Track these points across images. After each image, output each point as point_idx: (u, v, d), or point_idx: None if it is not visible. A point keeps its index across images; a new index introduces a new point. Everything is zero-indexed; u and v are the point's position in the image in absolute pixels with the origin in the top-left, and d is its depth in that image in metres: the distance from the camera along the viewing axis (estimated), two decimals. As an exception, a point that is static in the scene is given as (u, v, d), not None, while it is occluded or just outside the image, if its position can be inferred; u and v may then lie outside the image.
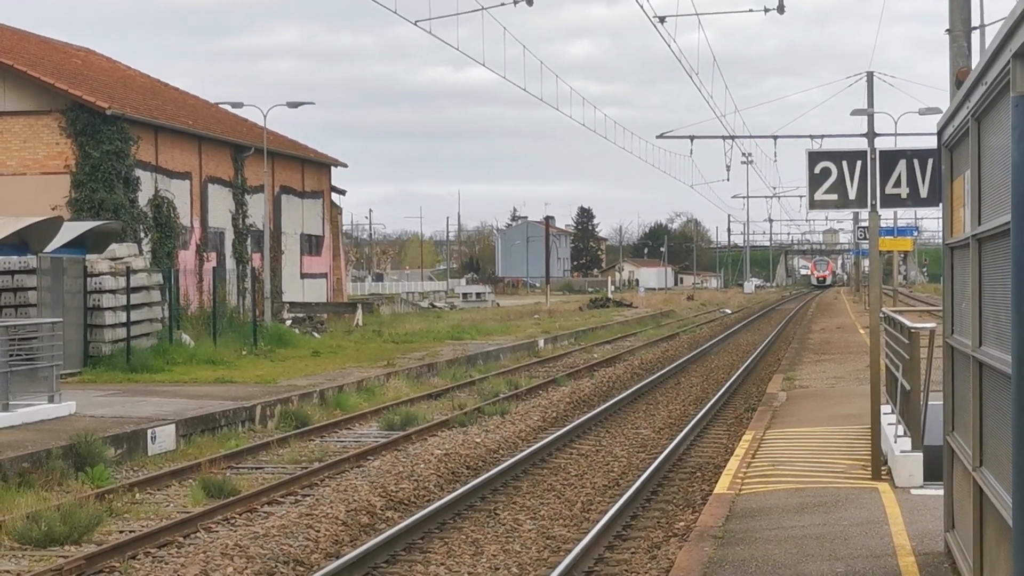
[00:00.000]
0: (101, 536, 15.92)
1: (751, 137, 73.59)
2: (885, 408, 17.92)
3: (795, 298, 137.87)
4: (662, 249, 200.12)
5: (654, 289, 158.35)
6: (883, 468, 16.25)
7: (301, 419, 26.67)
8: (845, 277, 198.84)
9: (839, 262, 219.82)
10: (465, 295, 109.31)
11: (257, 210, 53.54)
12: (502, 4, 32.40)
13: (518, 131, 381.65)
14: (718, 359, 46.45)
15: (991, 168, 8.29)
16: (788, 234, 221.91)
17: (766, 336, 58.69)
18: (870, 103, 59.63)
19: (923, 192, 15.55)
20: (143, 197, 44.58)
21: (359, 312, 58.85)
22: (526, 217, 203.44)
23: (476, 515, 17.77)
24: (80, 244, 33.43)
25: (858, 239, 76.95)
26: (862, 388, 25.62)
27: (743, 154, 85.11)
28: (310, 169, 62.03)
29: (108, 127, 42.79)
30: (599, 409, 29.13)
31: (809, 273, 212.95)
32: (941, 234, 11.64)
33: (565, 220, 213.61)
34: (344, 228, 73.53)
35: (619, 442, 25.03)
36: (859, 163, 15.76)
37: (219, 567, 13.92)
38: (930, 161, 15.42)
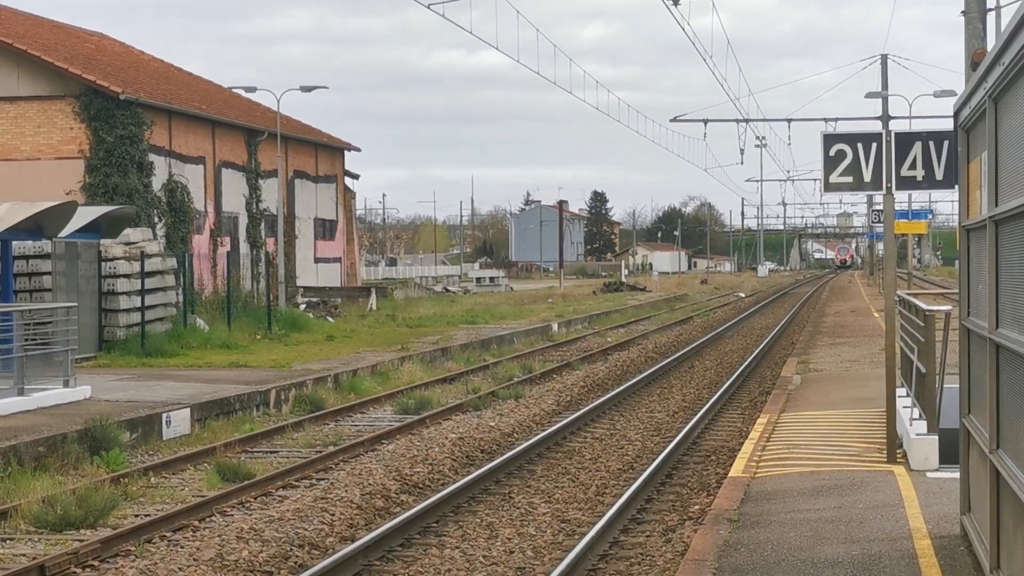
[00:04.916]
0: (116, 520, 15.96)
1: (765, 120, 73.59)
2: (900, 391, 17.89)
3: (809, 281, 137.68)
4: (676, 233, 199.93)
5: (668, 273, 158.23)
6: (898, 451, 16.22)
7: (315, 403, 26.69)
8: (859, 261, 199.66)
9: (853, 245, 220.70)
10: (479, 279, 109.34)
11: (271, 194, 53.54)
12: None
13: (531, 115, 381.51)
14: (732, 343, 46.40)
15: (1009, 149, 8.26)
16: (802, 218, 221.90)
17: (780, 320, 58.61)
18: (884, 86, 59.49)
19: (939, 174, 15.49)
20: (157, 182, 44.59)
21: (373, 296, 58.84)
22: (539, 201, 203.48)
23: (491, 499, 17.78)
24: (94, 229, 33.45)
25: (872, 222, 76.77)
26: (877, 371, 25.59)
27: (757, 137, 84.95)
28: (323, 153, 62.01)
29: (122, 112, 42.80)
30: (613, 393, 29.12)
31: (833, 256, 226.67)
32: (955, 217, 11.62)
33: (579, 204, 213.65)
34: (357, 212, 73.55)
35: (633, 426, 25.02)
36: (874, 145, 15.71)
37: (234, 550, 13.95)
38: (946, 143, 15.36)
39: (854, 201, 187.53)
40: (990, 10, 23.00)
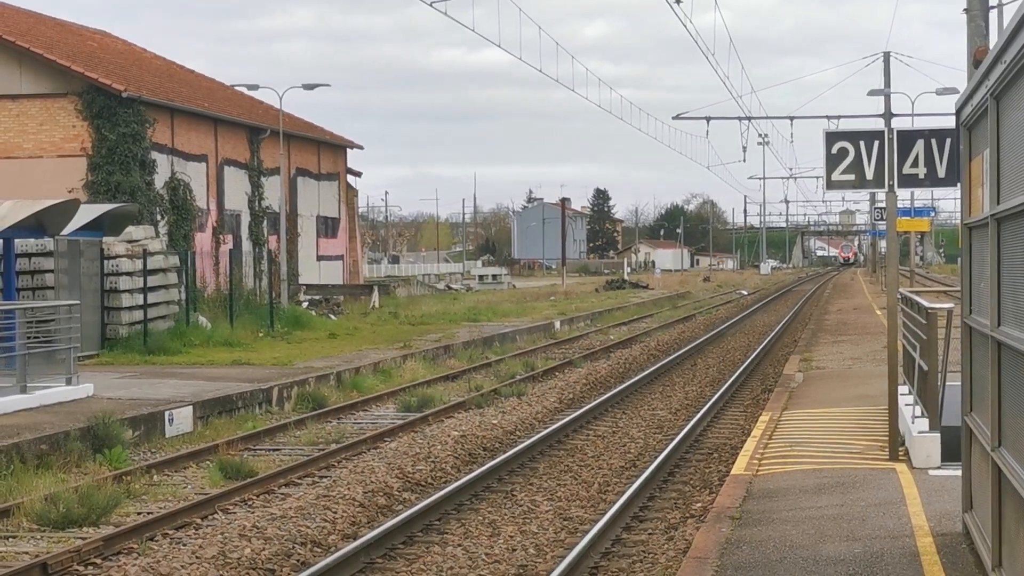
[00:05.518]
0: (119, 517, 15.98)
1: (767, 118, 73.55)
2: (902, 389, 17.89)
3: (811, 279, 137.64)
4: (678, 231, 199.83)
5: (670, 271, 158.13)
6: (901, 449, 16.23)
7: (318, 401, 26.70)
8: (863, 258, 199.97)
9: (856, 243, 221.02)
10: (481, 277, 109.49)
11: (273, 192, 53.53)
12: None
13: (534, 112, 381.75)
14: (735, 340, 46.39)
15: (1010, 147, 8.26)
16: (804, 215, 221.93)
17: (783, 317, 58.59)
18: (887, 83, 59.40)
19: (941, 172, 15.50)
20: (159, 179, 44.57)
21: (375, 294, 58.86)
22: (542, 199, 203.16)
23: (493, 496, 17.78)
24: (97, 227, 33.46)
25: (875, 220, 76.71)
26: (879, 369, 25.58)
27: (759, 135, 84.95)
28: (326, 151, 62.00)
29: (124, 109, 42.79)
30: (616, 390, 29.12)
31: (836, 254, 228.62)
32: (958, 214, 11.61)
33: (581, 202, 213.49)
34: (360, 210, 73.51)
35: (636, 423, 25.02)
36: (876, 143, 15.71)
37: (237, 548, 13.95)
38: (948, 141, 15.36)
39: (857, 198, 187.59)
40: (992, 8, 23.00)
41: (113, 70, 46.43)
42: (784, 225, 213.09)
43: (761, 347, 40.61)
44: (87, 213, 32.59)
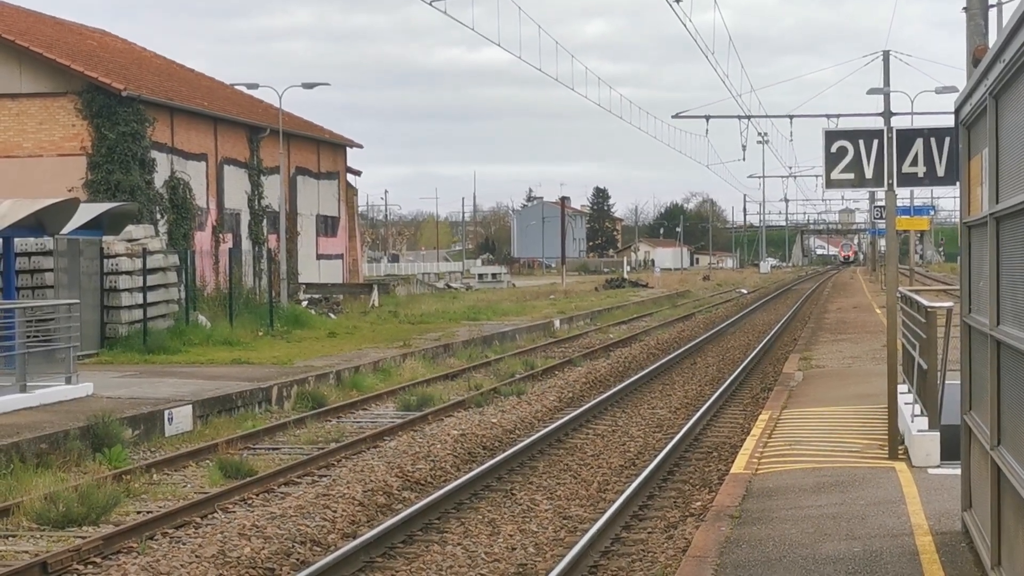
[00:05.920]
0: (119, 517, 15.98)
1: (767, 117, 73.61)
2: (902, 387, 17.90)
3: (811, 278, 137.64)
4: (678, 229, 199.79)
5: (670, 269, 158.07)
6: (900, 448, 16.23)
7: (318, 400, 26.70)
8: (862, 257, 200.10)
9: (855, 241, 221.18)
10: (481, 276, 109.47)
11: (273, 191, 53.52)
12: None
13: (533, 111, 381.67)
14: (734, 339, 46.39)
15: (1009, 146, 8.27)
16: (804, 214, 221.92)
17: (782, 316, 58.59)
18: (886, 82, 59.39)
19: (940, 171, 15.50)
20: (159, 178, 44.57)
21: (375, 293, 58.87)
22: (541, 198, 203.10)
23: (493, 495, 17.79)
24: (96, 226, 33.45)
25: (874, 219, 76.75)
26: (879, 368, 25.59)
27: (759, 134, 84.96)
28: (325, 150, 61.99)
29: (124, 108, 42.78)
30: (615, 389, 29.12)
31: (836, 252, 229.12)
32: (958, 213, 11.61)
33: (581, 200, 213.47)
34: (360, 209, 73.54)
35: (635, 422, 25.03)
36: (876, 142, 15.71)
37: (236, 547, 13.95)
38: (947, 140, 15.36)
39: (856, 197, 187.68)
40: (992, 6, 23.01)
41: (113, 69, 46.42)
42: (784, 224, 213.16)
43: (761, 346, 40.61)
44: (87, 212, 32.58)
